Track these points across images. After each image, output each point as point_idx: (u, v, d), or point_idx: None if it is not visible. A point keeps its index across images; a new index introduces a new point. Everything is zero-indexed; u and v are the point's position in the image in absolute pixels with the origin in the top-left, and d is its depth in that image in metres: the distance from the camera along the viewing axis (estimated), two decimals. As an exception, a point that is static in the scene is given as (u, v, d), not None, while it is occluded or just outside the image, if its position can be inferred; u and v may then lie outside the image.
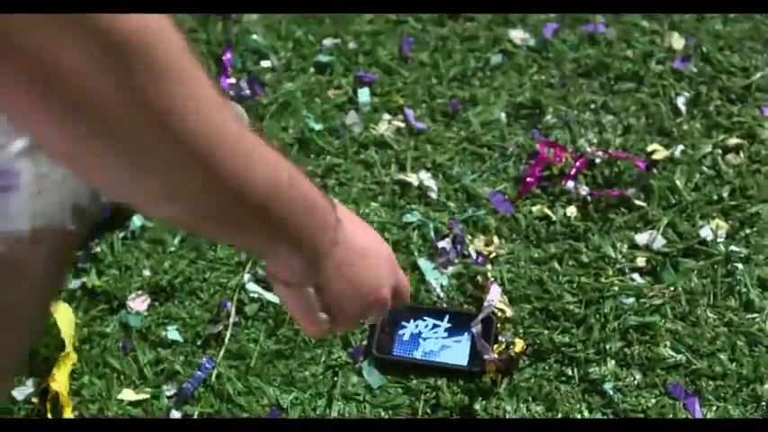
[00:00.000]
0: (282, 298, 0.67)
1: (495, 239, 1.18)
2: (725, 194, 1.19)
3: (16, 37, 0.40)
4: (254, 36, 1.47)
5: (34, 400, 1.11)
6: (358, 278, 0.66)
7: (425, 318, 1.10)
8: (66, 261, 0.84)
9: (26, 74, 0.42)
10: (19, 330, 0.78)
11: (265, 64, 1.44)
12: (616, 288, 1.11)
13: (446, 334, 1.08)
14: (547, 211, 1.20)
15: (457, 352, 1.07)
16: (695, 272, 1.12)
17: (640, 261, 1.13)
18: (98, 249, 1.23)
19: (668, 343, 1.06)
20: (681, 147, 1.25)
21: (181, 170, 0.50)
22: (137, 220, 1.25)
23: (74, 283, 1.21)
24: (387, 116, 1.35)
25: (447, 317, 1.09)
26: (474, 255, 1.17)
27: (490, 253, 1.16)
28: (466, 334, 1.07)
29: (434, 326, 1.09)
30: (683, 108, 1.30)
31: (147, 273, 1.20)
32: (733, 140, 1.25)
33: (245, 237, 0.59)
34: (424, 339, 1.08)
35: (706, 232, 1.15)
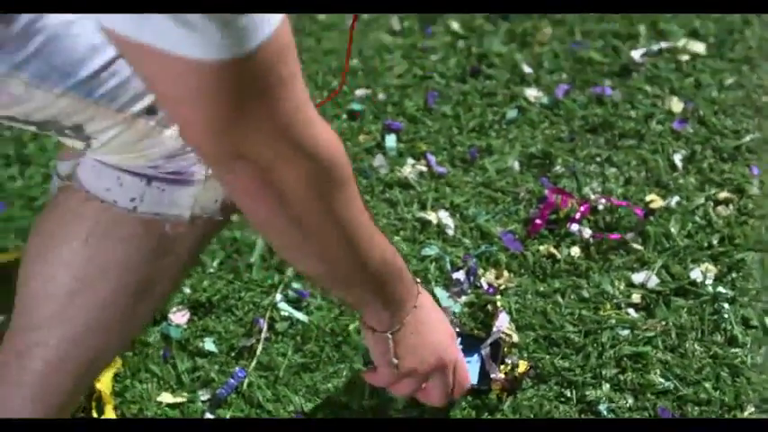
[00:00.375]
0: (368, 342, 0.86)
1: (505, 273, 1.30)
2: (714, 242, 1.31)
3: (251, 156, 0.57)
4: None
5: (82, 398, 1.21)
6: (428, 337, 0.85)
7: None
8: (205, 247, 0.99)
9: (256, 184, 0.60)
10: (154, 302, 0.92)
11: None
12: (613, 321, 1.22)
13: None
14: (553, 250, 1.32)
15: (467, 371, 1.18)
16: (685, 309, 1.23)
17: (636, 298, 1.25)
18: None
19: (658, 371, 1.17)
20: (676, 198, 1.37)
21: (339, 251, 0.70)
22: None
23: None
24: (411, 161, 1.48)
25: (459, 339, 1.20)
26: (485, 286, 1.28)
27: (500, 285, 1.28)
28: (476, 355, 1.17)
29: (448, 347, 1.20)
30: (679, 164, 1.44)
31: (187, 290, 1.32)
32: (723, 194, 1.38)
33: (355, 293, 0.82)
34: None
35: (696, 274, 1.27)
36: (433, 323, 0.88)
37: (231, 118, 0.59)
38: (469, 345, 1.18)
